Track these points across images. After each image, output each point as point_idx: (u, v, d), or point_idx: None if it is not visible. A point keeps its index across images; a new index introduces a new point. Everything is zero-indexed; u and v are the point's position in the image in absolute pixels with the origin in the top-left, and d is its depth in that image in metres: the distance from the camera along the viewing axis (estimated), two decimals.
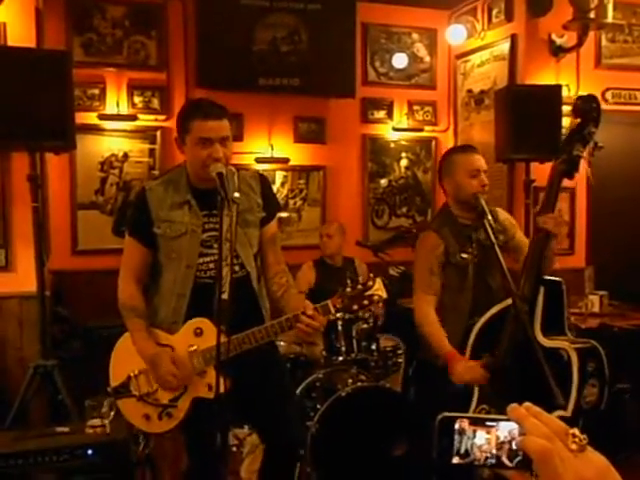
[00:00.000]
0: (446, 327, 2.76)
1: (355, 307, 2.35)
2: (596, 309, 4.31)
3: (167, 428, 2.45)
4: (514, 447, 0.78)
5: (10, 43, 3.71)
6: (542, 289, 2.46)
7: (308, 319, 2.26)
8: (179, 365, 2.35)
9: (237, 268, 2.41)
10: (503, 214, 2.97)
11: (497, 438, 0.79)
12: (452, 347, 2.66)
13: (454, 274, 2.81)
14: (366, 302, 2.34)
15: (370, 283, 2.33)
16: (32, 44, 3.77)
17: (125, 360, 2.48)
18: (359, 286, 2.33)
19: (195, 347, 2.36)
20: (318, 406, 3.39)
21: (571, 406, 2.27)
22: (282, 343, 3.85)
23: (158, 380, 2.39)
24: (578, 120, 2.42)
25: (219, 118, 2.32)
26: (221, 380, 2.29)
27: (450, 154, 2.95)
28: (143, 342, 2.40)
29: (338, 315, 3.71)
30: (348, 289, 2.33)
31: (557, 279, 2.51)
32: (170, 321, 2.42)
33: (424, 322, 2.78)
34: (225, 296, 2.29)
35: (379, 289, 2.34)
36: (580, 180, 2.55)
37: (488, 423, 0.80)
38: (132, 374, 2.45)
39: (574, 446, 0.74)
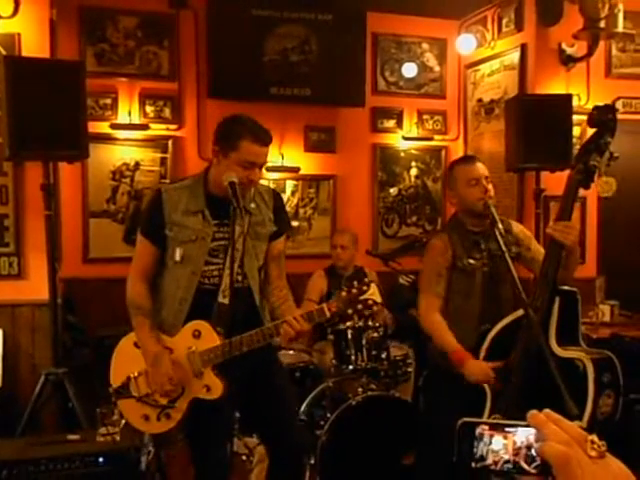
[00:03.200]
0: (456, 331, 2.77)
1: (350, 311, 2.40)
2: (607, 319, 4.29)
3: (165, 428, 2.49)
4: (532, 452, 0.78)
5: (24, 53, 3.76)
6: (557, 299, 2.45)
7: (293, 321, 2.33)
8: (177, 369, 2.39)
9: (240, 278, 2.45)
10: (517, 226, 2.98)
11: (514, 443, 0.79)
12: (460, 346, 2.68)
13: (461, 279, 2.83)
14: (360, 306, 2.39)
15: (365, 288, 2.38)
16: (46, 54, 3.82)
17: (125, 362, 2.53)
18: (354, 290, 2.37)
19: (193, 349, 2.40)
20: (328, 415, 3.39)
21: (587, 417, 2.26)
22: (291, 352, 3.86)
23: (154, 380, 2.41)
24: (594, 130, 2.42)
25: (267, 144, 2.40)
26: (219, 382, 2.36)
27: (451, 167, 3.02)
28: (147, 340, 2.44)
29: (348, 324, 3.72)
30: (343, 293, 2.38)
31: (572, 289, 2.51)
32: (170, 323, 2.47)
33: (430, 323, 2.80)
34: (225, 301, 2.35)
35: (373, 294, 2.40)
36: (591, 189, 2.55)
37: (507, 429, 0.80)
38: (132, 375, 2.50)
39: (593, 453, 0.74)
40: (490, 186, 2.79)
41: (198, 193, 2.46)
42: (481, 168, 2.83)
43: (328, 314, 2.36)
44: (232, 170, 2.36)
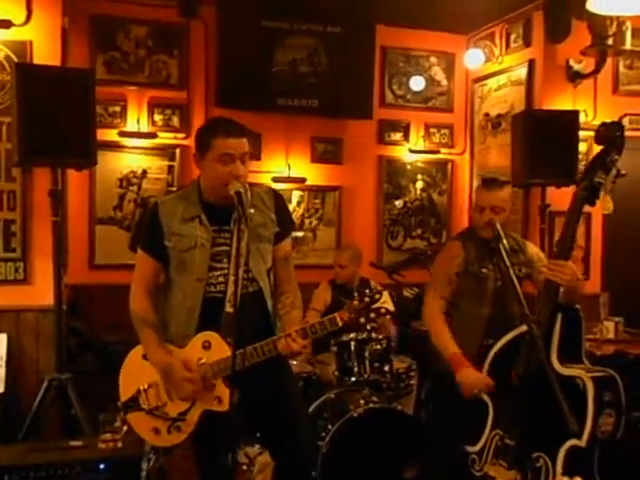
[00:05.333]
0: (460, 338, 2.80)
1: (362, 320, 2.38)
2: (611, 336, 4.28)
3: (176, 441, 2.46)
4: None
5: (36, 61, 3.79)
6: (560, 316, 2.45)
7: (291, 341, 2.31)
8: (192, 371, 2.36)
9: (248, 283, 2.42)
10: (532, 248, 3.02)
11: None
12: (460, 351, 2.71)
13: (472, 283, 2.87)
14: (373, 315, 2.38)
15: (377, 296, 2.37)
16: (57, 62, 3.85)
17: (134, 374, 2.50)
18: (366, 299, 2.36)
19: (203, 360, 2.38)
20: (329, 426, 3.38)
21: (586, 436, 2.26)
22: (294, 362, 3.85)
23: (173, 388, 2.39)
24: (601, 147, 2.43)
25: (240, 136, 2.37)
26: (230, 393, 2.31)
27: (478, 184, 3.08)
28: (155, 352, 2.42)
29: (351, 335, 3.72)
30: (355, 302, 2.36)
31: (575, 306, 2.50)
32: (181, 335, 2.43)
33: (433, 322, 2.85)
34: (232, 310, 2.32)
35: (386, 302, 2.39)
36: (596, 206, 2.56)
37: None
38: (141, 388, 2.47)
39: None
40: (499, 216, 2.80)
41: (193, 201, 2.45)
42: (492, 197, 2.86)
43: (340, 323, 2.33)
44: (214, 171, 2.34)
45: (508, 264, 2.59)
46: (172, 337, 2.45)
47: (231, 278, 2.36)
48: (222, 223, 2.42)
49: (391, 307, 2.41)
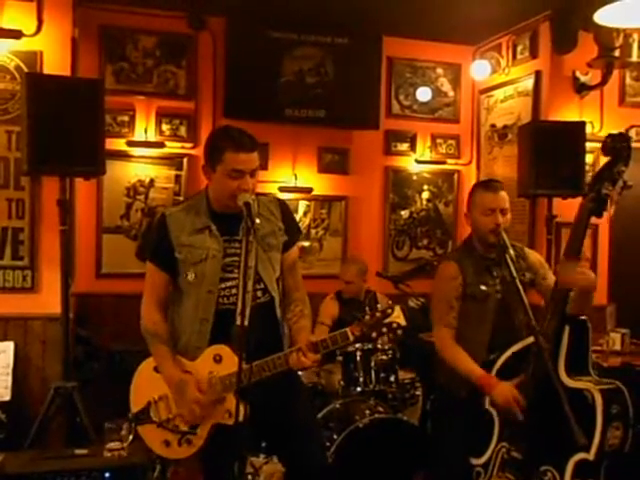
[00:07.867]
0: None
1: (374, 335, 2.36)
2: (618, 347, 4.25)
3: (187, 454, 2.45)
4: None
5: (46, 71, 3.84)
6: (567, 328, 2.44)
7: (302, 356, 2.30)
8: (204, 392, 2.36)
9: (260, 294, 2.42)
10: (534, 255, 2.96)
11: None
12: (484, 371, 2.65)
13: (472, 306, 2.80)
14: (385, 330, 2.35)
15: (389, 311, 2.35)
16: (67, 72, 3.90)
17: (146, 386, 2.50)
18: (377, 314, 2.34)
19: (214, 373, 2.37)
20: (335, 436, 3.38)
21: (594, 449, 2.24)
22: (300, 372, 3.85)
23: (182, 407, 2.39)
24: (608, 158, 2.43)
25: (251, 151, 2.36)
26: (241, 407, 2.28)
27: (473, 189, 2.97)
28: (169, 368, 2.41)
29: (357, 345, 3.71)
30: (367, 317, 2.35)
31: (582, 318, 2.49)
32: (194, 346, 2.42)
33: (450, 355, 2.77)
34: (245, 323, 2.32)
35: (398, 316, 2.35)
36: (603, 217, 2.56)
37: None
38: (152, 400, 2.47)
39: None
40: (505, 217, 2.77)
41: (202, 211, 2.45)
42: (500, 199, 2.80)
43: (352, 338, 2.32)
44: (222, 184, 2.34)
45: (515, 274, 2.58)
46: (184, 349, 2.44)
47: (241, 291, 2.35)
48: (232, 233, 2.42)
49: (403, 322, 2.39)
